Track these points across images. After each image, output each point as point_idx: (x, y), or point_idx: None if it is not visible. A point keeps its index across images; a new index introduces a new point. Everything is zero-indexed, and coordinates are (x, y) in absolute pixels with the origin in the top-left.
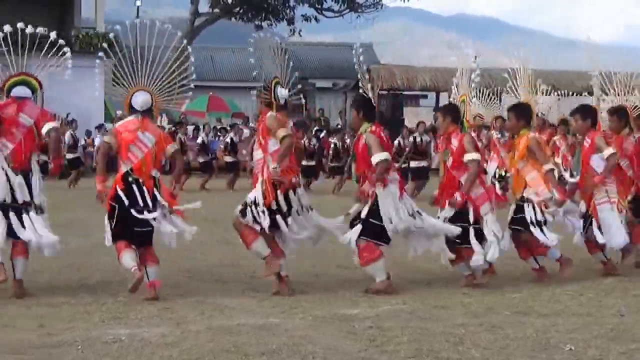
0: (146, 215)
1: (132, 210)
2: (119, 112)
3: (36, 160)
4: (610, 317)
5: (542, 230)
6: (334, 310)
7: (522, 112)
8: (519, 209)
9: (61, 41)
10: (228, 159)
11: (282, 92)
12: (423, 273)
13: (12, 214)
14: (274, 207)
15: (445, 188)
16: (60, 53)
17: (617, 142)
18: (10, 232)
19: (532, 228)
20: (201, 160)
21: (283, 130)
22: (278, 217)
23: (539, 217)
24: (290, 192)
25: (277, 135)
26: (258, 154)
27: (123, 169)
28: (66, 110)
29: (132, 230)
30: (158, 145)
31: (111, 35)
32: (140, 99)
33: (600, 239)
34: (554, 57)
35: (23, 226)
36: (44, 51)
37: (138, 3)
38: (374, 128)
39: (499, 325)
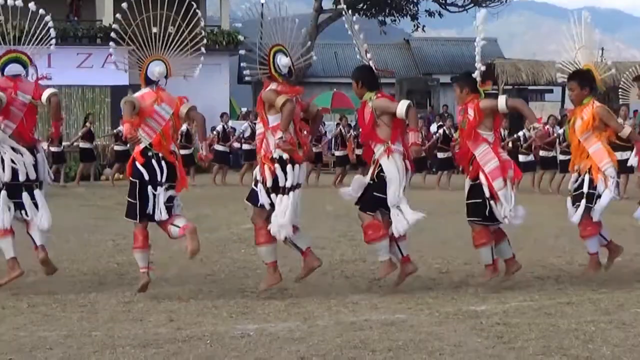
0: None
1: (150, 187)
2: (243, 109)
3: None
4: None
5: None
6: (461, 307)
7: (585, 80)
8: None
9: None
10: (339, 153)
11: (283, 61)
12: (549, 269)
13: (25, 194)
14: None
15: (460, 160)
16: (192, 50)
17: None
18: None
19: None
20: (338, 154)
21: (281, 97)
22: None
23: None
24: (296, 166)
25: (277, 103)
26: (260, 127)
27: (142, 144)
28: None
29: (153, 208)
30: (175, 115)
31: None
32: (157, 69)
33: None
34: None
35: (36, 206)
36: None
37: (262, 0)
38: (379, 95)
39: (630, 322)
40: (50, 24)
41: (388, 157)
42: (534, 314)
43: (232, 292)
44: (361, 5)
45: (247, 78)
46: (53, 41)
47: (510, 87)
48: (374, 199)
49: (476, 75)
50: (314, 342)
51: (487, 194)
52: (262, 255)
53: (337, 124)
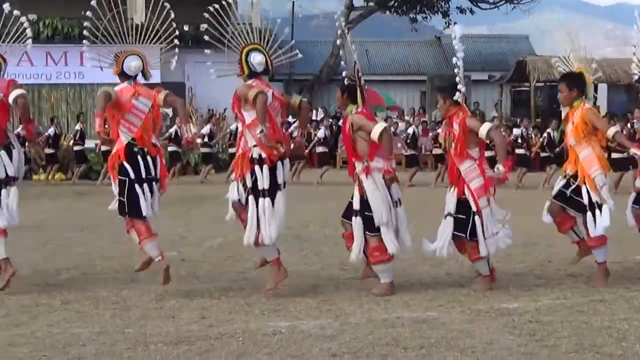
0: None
1: (136, 185)
2: None
3: (15, 133)
4: None
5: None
6: (493, 304)
7: (574, 81)
8: (567, 185)
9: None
10: None
11: (257, 58)
12: (582, 267)
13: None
14: (250, 184)
15: (450, 176)
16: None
17: None
18: None
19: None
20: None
21: (252, 90)
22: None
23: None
24: (279, 165)
25: (248, 97)
26: (239, 126)
27: (124, 139)
28: (223, 105)
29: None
30: (154, 107)
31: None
32: (133, 64)
33: None
34: None
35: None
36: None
37: None
38: (360, 109)
39: None
40: (26, 24)
41: (367, 176)
42: (567, 312)
43: (263, 290)
44: (392, 2)
45: (213, 77)
46: (29, 41)
47: (542, 84)
48: (368, 219)
49: (458, 97)
50: (346, 339)
51: (474, 209)
52: (263, 254)
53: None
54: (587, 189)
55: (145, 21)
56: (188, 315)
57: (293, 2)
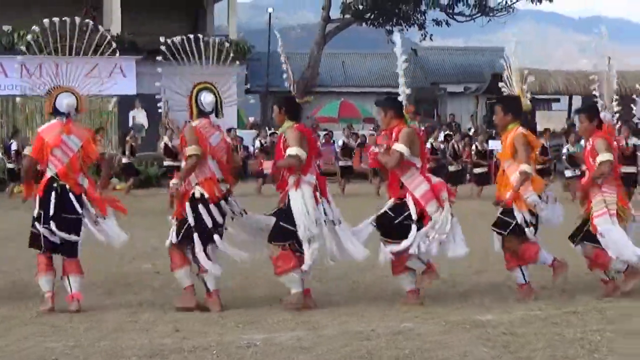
0: (59, 233)
1: (52, 222)
2: (251, 119)
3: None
4: None
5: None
6: (467, 316)
7: (509, 105)
8: (506, 213)
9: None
10: (341, 163)
11: (207, 98)
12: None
13: None
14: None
15: (389, 187)
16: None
17: None
18: None
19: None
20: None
21: (192, 148)
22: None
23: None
24: (222, 203)
25: (186, 152)
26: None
27: (48, 174)
28: None
29: (56, 239)
30: (85, 148)
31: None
32: (65, 101)
33: (610, 251)
34: None
35: None
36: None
37: (270, 10)
38: (296, 126)
39: (635, 331)
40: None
41: (296, 189)
42: (540, 324)
43: (239, 302)
44: (369, 14)
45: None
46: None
47: None
48: (282, 230)
49: (402, 98)
50: (321, 351)
51: (414, 217)
52: (178, 279)
53: (326, 134)
54: (517, 210)
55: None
56: (162, 328)
57: (270, 14)
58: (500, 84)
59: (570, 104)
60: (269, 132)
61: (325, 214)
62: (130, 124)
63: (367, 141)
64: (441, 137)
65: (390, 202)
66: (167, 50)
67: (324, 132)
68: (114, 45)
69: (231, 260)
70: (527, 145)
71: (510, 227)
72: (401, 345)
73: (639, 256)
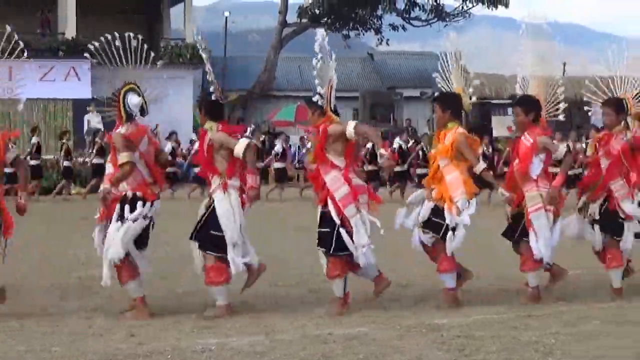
0: None
1: None
2: None
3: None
4: None
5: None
6: (423, 320)
7: (449, 103)
8: (436, 212)
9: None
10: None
11: (134, 100)
12: (512, 282)
13: None
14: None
15: (313, 183)
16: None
17: (606, 137)
18: None
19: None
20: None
21: (124, 155)
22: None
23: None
24: (156, 203)
25: (117, 160)
26: (109, 167)
27: None
28: (154, 120)
29: None
30: None
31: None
32: None
33: (536, 252)
34: None
35: None
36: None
37: (227, 14)
38: (220, 127)
39: (589, 335)
40: None
41: (224, 192)
42: (496, 327)
43: (194, 307)
44: (325, 19)
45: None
46: None
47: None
48: (213, 238)
49: (317, 98)
50: (277, 356)
51: (337, 222)
52: (130, 292)
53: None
54: (446, 210)
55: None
56: (117, 334)
57: (226, 17)
58: (439, 82)
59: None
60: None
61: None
62: (85, 127)
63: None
64: (396, 142)
65: (318, 213)
66: (124, 53)
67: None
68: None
69: (184, 266)
70: (469, 146)
71: (442, 229)
72: (357, 349)
73: (547, 256)
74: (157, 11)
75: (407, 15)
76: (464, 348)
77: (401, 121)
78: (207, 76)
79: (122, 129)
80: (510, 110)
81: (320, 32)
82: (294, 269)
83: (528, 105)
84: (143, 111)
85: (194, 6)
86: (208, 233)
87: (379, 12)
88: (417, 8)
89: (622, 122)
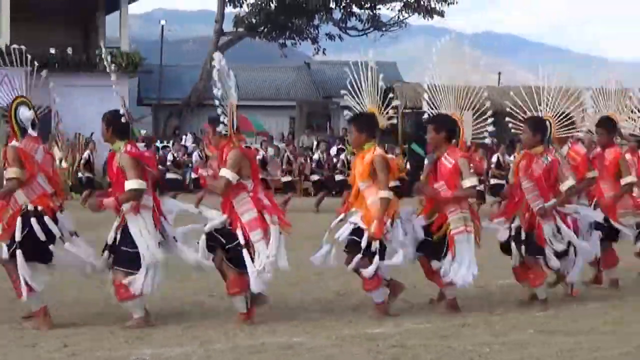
0: None
1: None
2: (142, 132)
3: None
4: (635, 336)
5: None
6: (358, 329)
7: (364, 123)
8: (356, 232)
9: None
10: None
11: (26, 114)
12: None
13: None
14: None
15: (222, 207)
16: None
17: (527, 159)
18: None
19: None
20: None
21: (12, 171)
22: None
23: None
24: (58, 215)
25: (5, 174)
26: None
27: None
28: (90, 129)
29: None
30: None
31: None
32: None
33: (447, 275)
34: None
35: None
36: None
37: (162, 22)
38: (129, 147)
39: (523, 344)
40: None
41: (135, 213)
42: (430, 336)
43: (129, 317)
44: (262, 28)
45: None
46: None
47: (409, 110)
48: (123, 254)
49: (222, 129)
50: None
51: (242, 242)
52: (31, 305)
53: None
54: (366, 233)
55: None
56: (49, 344)
57: (162, 26)
58: (350, 101)
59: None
60: (160, 144)
61: (162, 234)
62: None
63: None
64: (334, 151)
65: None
66: (58, 61)
67: None
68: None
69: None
70: (387, 169)
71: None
72: (291, 359)
73: (467, 282)
74: (93, 19)
75: (344, 25)
76: (399, 357)
77: (337, 130)
78: (120, 99)
79: (16, 143)
80: None
81: (218, 56)
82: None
83: (438, 122)
84: (34, 125)
85: (129, 14)
86: (119, 249)
87: (316, 21)
88: (354, 18)
89: (542, 143)
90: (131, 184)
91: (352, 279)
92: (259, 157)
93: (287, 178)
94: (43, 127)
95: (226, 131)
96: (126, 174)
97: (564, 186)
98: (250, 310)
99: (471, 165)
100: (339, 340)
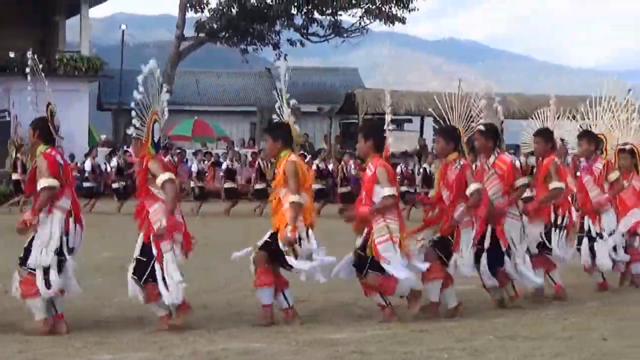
0: None
1: None
2: (103, 137)
3: None
4: (593, 341)
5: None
6: (318, 335)
7: (279, 133)
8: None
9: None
10: (227, 185)
11: None
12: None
13: None
14: None
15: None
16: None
17: (443, 167)
18: None
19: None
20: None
21: None
22: None
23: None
24: None
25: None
26: None
27: None
28: None
29: None
30: None
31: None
32: None
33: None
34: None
35: None
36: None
37: (123, 27)
38: (48, 151)
39: (482, 349)
40: None
41: (47, 214)
42: (390, 342)
43: (87, 322)
44: (223, 33)
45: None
46: None
47: (371, 116)
48: (27, 253)
49: (132, 130)
50: None
51: (155, 254)
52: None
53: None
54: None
55: None
56: (6, 349)
57: (123, 30)
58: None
59: (422, 125)
60: (123, 150)
61: (68, 243)
62: None
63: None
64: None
65: (139, 241)
66: (17, 65)
67: (177, 151)
68: None
69: (78, 279)
70: (296, 175)
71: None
72: None
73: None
74: (53, 23)
75: (305, 31)
76: None
77: (299, 135)
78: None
79: None
80: (406, 125)
81: (152, 63)
82: (187, 285)
83: (366, 131)
84: None
85: (90, 18)
86: (28, 248)
87: (277, 27)
88: (315, 24)
89: (456, 150)
90: (42, 182)
91: (312, 286)
92: (224, 167)
93: (261, 185)
94: (2, 131)
95: (138, 135)
96: (40, 175)
97: (469, 190)
98: (167, 315)
99: (391, 174)
100: (298, 345)
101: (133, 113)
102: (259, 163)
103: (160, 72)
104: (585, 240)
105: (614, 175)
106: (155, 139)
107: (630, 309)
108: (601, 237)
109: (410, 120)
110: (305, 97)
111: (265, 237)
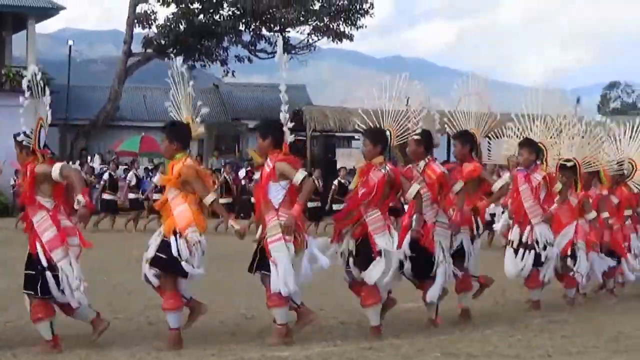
0: None
1: None
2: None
3: None
4: (538, 358)
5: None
6: (265, 352)
7: (176, 134)
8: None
9: None
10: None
11: None
12: (352, 314)
13: None
14: None
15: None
16: None
17: (366, 168)
18: None
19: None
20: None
21: None
22: None
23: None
24: None
25: None
26: None
27: None
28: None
29: None
30: None
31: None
32: None
33: (274, 286)
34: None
35: None
36: None
37: (70, 42)
38: None
39: None
40: None
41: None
42: (336, 359)
43: (33, 340)
44: (171, 49)
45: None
46: None
47: (318, 133)
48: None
49: (21, 138)
50: None
51: (45, 265)
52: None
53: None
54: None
55: None
56: None
57: (70, 46)
58: (170, 110)
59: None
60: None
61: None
62: None
63: None
64: (242, 173)
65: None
66: None
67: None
68: None
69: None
70: (198, 178)
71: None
72: None
73: (289, 290)
74: (0, 38)
75: (253, 48)
76: None
77: (246, 153)
78: None
79: None
80: (354, 142)
81: (33, 68)
82: (134, 301)
83: (262, 130)
84: None
85: (37, 33)
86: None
87: (225, 43)
88: (263, 40)
89: (382, 154)
90: None
91: (259, 302)
92: (105, 177)
93: (227, 199)
94: None
95: (28, 143)
96: None
97: (410, 195)
98: (55, 337)
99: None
100: None
101: (22, 120)
102: (224, 177)
103: (110, 88)
104: (517, 251)
105: (558, 187)
106: (41, 145)
107: (574, 327)
108: (544, 248)
109: (358, 138)
110: (253, 113)
111: (152, 250)
